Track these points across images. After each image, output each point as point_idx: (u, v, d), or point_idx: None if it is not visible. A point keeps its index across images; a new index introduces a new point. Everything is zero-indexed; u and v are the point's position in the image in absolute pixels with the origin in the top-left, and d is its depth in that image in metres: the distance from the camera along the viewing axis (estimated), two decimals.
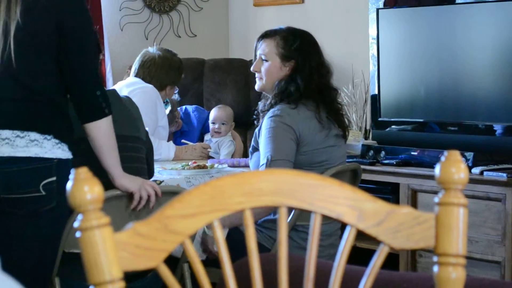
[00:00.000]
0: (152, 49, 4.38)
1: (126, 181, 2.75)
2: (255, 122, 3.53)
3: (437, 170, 1.29)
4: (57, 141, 2.56)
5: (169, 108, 4.49)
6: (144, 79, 4.27)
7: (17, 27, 2.50)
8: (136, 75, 4.32)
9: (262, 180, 1.27)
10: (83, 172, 1.15)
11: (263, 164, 3.29)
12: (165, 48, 4.52)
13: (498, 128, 3.87)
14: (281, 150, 3.27)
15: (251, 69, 3.53)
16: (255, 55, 3.52)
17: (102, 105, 2.61)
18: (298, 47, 3.42)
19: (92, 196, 1.14)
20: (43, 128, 2.54)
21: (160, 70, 4.29)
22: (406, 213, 1.30)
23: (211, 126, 4.56)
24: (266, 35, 3.48)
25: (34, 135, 2.53)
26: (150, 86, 4.21)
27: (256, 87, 3.53)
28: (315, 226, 1.28)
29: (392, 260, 3.89)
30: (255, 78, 3.54)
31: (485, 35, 3.95)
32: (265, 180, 1.27)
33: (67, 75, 2.58)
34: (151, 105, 4.09)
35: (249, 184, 1.26)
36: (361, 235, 1.31)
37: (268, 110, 3.39)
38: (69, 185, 1.14)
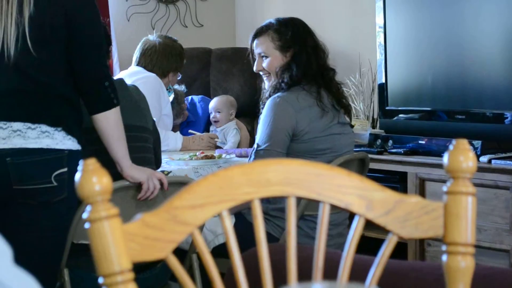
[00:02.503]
0: (153, 37, 4.39)
1: (135, 172, 2.77)
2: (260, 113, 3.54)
3: (445, 158, 1.29)
4: (66, 133, 2.57)
5: (172, 95, 4.49)
6: (146, 67, 4.28)
7: (29, 19, 2.51)
8: (138, 64, 4.33)
9: (270, 170, 1.27)
10: (92, 163, 1.15)
11: (253, 150, 3.34)
12: (165, 35, 4.53)
13: (506, 116, 3.85)
14: (273, 139, 3.29)
15: (254, 69, 3.55)
16: (253, 57, 3.54)
17: (111, 96, 2.62)
18: (292, 35, 3.45)
19: (100, 187, 1.14)
20: (52, 121, 2.55)
21: (162, 57, 4.30)
22: (414, 202, 1.30)
23: (210, 116, 4.60)
24: (258, 33, 3.52)
25: (45, 127, 2.54)
26: (153, 75, 4.21)
27: (267, 87, 3.54)
28: (323, 216, 1.28)
29: (400, 249, 3.88)
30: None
31: (492, 22, 3.94)
32: (273, 170, 1.27)
33: (76, 67, 2.60)
34: (155, 95, 4.09)
35: (257, 174, 1.26)
36: (369, 224, 1.31)
37: (268, 98, 3.42)
38: (77, 176, 1.14)
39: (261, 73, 3.54)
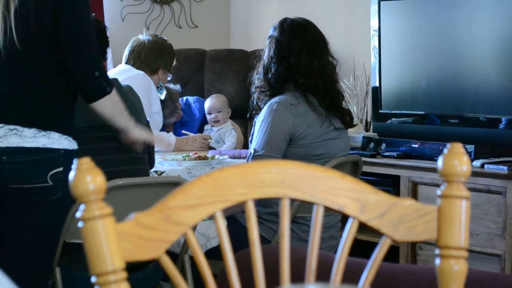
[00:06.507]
0: (142, 36, 4.38)
1: (141, 132, 2.79)
2: (254, 116, 3.51)
3: (439, 162, 1.28)
4: (62, 133, 2.56)
5: (164, 92, 4.47)
6: (135, 64, 4.25)
7: (15, 13, 2.49)
8: (127, 62, 4.31)
9: (264, 172, 1.27)
10: (86, 162, 1.15)
11: (249, 155, 3.33)
12: (155, 34, 4.53)
13: (499, 121, 3.86)
14: (270, 145, 3.29)
15: None
16: None
17: (103, 85, 2.60)
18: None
19: (94, 186, 1.13)
20: (45, 125, 2.53)
21: (150, 54, 4.28)
22: (408, 205, 1.30)
23: (208, 117, 4.58)
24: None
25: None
26: (142, 73, 4.18)
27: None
28: (317, 218, 1.28)
29: (392, 252, 3.89)
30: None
31: (486, 27, 3.94)
32: (267, 172, 1.27)
33: (65, 59, 2.55)
34: (144, 92, 4.06)
35: (252, 176, 1.26)
36: (361, 227, 1.31)
37: (265, 102, 3.39)
38: (71, 175, 1.14)
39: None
